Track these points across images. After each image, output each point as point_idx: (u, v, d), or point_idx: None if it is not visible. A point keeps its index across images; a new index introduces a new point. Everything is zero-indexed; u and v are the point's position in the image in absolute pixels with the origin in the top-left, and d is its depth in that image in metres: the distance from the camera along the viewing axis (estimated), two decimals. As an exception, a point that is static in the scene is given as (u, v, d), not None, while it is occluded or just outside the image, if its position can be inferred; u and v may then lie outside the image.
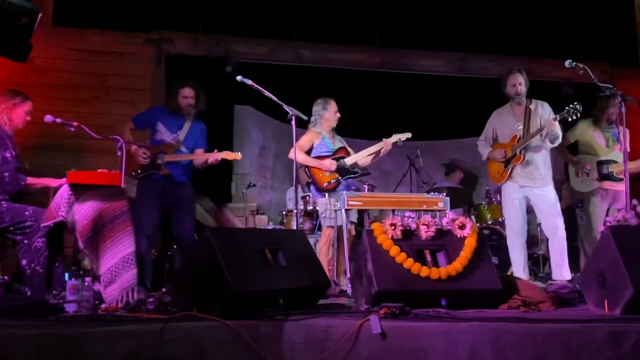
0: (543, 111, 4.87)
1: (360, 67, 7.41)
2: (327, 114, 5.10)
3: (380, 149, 5.10)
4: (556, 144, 4.82)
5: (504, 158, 4.88)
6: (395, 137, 5.11)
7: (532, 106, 4.86)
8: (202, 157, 4.87)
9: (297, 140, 4.37)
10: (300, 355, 2.88)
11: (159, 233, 5.18)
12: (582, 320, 2.81)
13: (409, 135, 5.19)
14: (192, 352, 2.81)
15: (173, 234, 4.83)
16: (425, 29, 7.53)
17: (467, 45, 7.68)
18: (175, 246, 5.33)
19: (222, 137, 5.37)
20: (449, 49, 7.66)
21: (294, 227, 5.36)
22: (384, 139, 5.12)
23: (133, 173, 4.73)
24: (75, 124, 4.16)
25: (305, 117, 4.42)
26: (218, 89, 6.48)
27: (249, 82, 4.36)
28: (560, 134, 4.68)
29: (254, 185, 6.58)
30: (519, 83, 4.89)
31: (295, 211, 4.85)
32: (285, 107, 4.40)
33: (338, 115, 5.15)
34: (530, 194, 4.80)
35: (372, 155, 5.14)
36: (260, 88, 4.36)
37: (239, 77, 4.37)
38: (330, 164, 4.97)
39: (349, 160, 5.06)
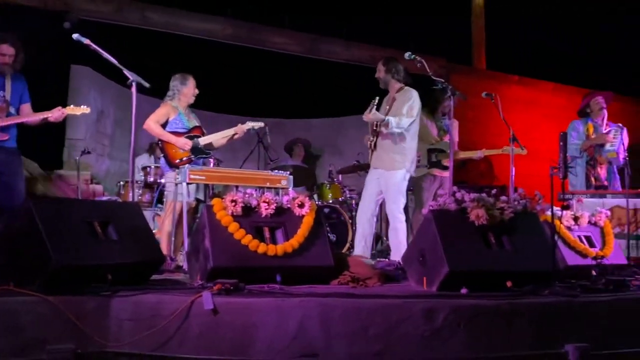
0: (400, 100, 5.02)
1: (211, 37, 7.26)
2: (185, 89, 5.02)
3: (235, 134, 5.12)
4: (391, 131, 4.88)
5: (369, 143, 5.10)
6: (249, 125, 5.18)
7: (397, 94, 5.04)
8: (41, 115, 4.44)
9: (137, 108, 4.15)
10: (128, 332, 2.81)
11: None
12: (402, 296, 3.04)
13: (261, 124, 5.28)
14: (7, 330, 2.65)
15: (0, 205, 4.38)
16: (280, 7, 7.56)
17: (319, 27, 7.84)
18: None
19: (55, 99, 4.95)
20: (301, 30, 7.76)
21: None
22: (239, 125, 5.16)
23: None
24: None
25: (147, 84, 4.21)
26: (53, 46, 5.98)
27: (86, 41, 4.06)
28: (388, 120, 4.79)
29: (89, 152, 6.16)
30: (377, 70, 5.09)
31: (131, 182, 4.64)
32: (126, 72, 4.16)
33: (196, 91, 5.10)
34: (380, 177, 5.01)
35: (226, 138, 5.13)
36: (99, 49, 4.08)
37: (75, 35, 4.05)
38: (185, 142, 4.92)
39: (202, 140, 5.02)
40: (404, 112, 4.88)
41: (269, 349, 2.73)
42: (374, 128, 5.00)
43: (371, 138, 5.04)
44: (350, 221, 6.30)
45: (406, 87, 5.06)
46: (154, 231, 4.64)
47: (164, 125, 4.96)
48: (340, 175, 7.06)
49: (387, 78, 5.06)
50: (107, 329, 2.80)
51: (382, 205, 5.35)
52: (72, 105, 4.59)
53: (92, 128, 7.15)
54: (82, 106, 4.62)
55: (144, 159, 6.79)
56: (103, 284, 2.92)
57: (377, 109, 4.91)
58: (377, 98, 4.80)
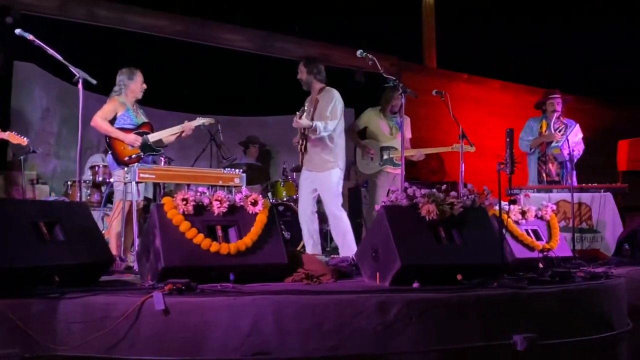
0: (323, 102, 5.04)
1: (160, 33, 7.12)
2: (132, 84, 4.90)
3: (183, 131, 5.04)
4: (319, 136, 4.91)
5: (299, 146, 5.12)
6: (199, 121, 5.11)
7: (319, 95, 5.08)
8: None
9: (84, 105, 4.04)
10: (77, 335, 2.74)
11: None
12: (355, 291, 3.06)
13: (212, 120, 5.22)
14: (-55, 337, 2.53)
15: None
16: (231, 3, 7.49)
17: (271, 24, 7.81)
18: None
19: (-2, 97, 4.82)
20: (253, 26, 7.70)
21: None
22: (186, 121, 5.07)
23: None
24: None
25: (93, 81, 4.10)
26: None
27: (30, 37, 3.93)
28: (316, 126, 4.83)
29: (35, 151, 5.95)
30: (299, 71, 5.14)
31: (78, 182, 4.53)
32: (72, 69, 4.05)
33: (144, 86, 4.98)
34: (313, 178, 5.06)
35: (176, 134, 5.04)
36: (43, 45, 3.96)
37: (17, 31, 3.93)
38: (135, 139, 4.81)
39: (152, 137, 4.92)
40: (328, 114, 4.96)
41: (222, 348, 2.71)
42: (302, 131, 5.07)
43: (300, 141, 5.11)
44: (304, 219, 6.30)
45: (327, 88, 5.14)
46: (103, 232, 4.54)
47: (111, 122, 4.83)
48: (294, 173, 7.05)
49: (309, 79, 5.13)
50: (55, 332, 2.72)
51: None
52: (14, 133, 4.94)
53: (38, 126, 6.92)
54: (23, 137, 4.94)
55: (97, 159, 6.60)
56: (50, 286, 2.84)
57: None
58: (305, 105, 4.90)
